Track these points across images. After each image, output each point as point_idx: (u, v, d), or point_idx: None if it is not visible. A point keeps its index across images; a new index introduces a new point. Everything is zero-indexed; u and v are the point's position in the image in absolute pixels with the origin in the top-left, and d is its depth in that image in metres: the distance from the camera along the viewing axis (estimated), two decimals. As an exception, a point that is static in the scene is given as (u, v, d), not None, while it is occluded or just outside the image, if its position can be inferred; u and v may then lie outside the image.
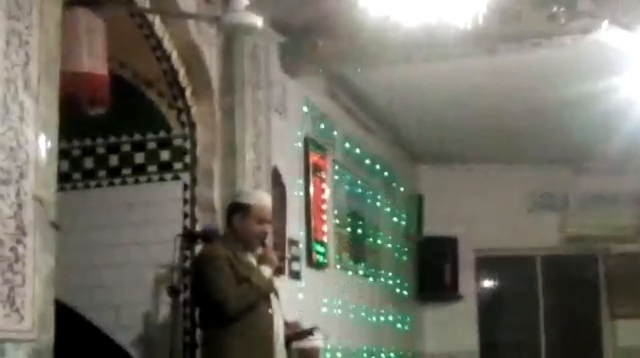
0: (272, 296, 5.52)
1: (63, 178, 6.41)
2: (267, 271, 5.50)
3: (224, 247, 5.50)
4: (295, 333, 5.77)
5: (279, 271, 5.97)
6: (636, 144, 9.32)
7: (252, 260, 5.54)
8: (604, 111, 8.52)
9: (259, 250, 5.59)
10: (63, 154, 6.40)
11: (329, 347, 7.23)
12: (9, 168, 4.01)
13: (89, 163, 6.62)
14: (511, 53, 7.37)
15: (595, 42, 6.93)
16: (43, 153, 4.23)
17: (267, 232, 5.62)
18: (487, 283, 12.80)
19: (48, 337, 4.22)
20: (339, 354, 8.01)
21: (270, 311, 5.45)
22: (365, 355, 9.08)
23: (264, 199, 5.71)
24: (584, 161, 11.21)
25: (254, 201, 5.59)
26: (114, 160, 6.57)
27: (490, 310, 12.54)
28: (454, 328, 11.91)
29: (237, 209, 5.58)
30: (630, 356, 11.11)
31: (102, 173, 6.58)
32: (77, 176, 6.63)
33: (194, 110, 6.38)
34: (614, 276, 12.27)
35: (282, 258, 6.69)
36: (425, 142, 11.04)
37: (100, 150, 6.61)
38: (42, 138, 4.22)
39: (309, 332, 5.87)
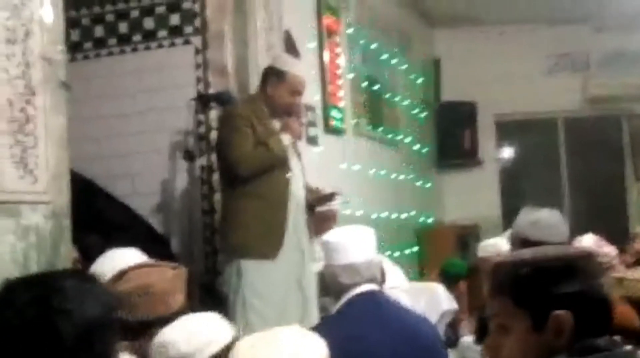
0: (294, 160, 5.49)
1: (74, 48, 6.39)
2: (286, 139, 5.43)
3: (249, 107, 5.46)
4: (316, 198, 5.75)
5: (297, 137, 5.92)
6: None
7: (276, 125, 5.46)
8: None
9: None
10: (73, 23, 6.38)
11: (348, 212, 7.23)
12: (14, 26, 3.91)
13: (99, 31, 6.53)
14: None
15: None
16: (48, 11, 4.11)
17: (297, 104, 5.54)
18: (508, 148, 12.71)
19: (64, 199, 4.18)
20: (358, 219, 7.99)
21: (287, 176, 5.40)
22: (385, 219, 9.08)
23: (299, 68, 5.59)
24: (603, 18, 10.98)
25: (288, 68, 5.46)
26: (123, 27, 6.47)
27: (512, 176, 12.46)
28: (475, 195, 11.77)
29: (271, 74, 5.46)
30: (655, 216, 11.07)
31: (112, 41, 6.50)
32: (88, 45, 6.55)
33: (202, -29, 6.24)
34: (638, 137, 12.17)
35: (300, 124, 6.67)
36: (440, 4, 10.83)
37: (110, 17, 6.51)
38: (45, -5, 4.11)
39: (330, 197, 5.85)
